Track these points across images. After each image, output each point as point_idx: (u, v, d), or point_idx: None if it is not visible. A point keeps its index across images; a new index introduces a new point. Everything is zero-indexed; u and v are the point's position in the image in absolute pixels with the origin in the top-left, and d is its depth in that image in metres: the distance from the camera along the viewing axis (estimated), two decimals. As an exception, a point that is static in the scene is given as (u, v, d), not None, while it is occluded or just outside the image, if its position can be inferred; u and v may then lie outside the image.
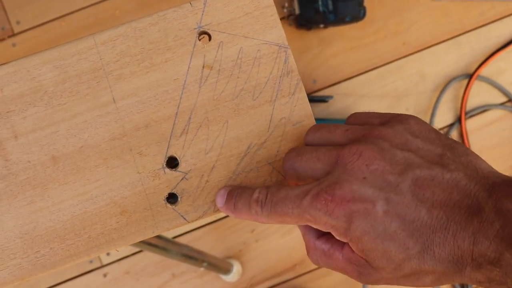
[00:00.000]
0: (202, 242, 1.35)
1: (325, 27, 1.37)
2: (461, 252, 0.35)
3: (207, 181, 0.45)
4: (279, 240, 1.35)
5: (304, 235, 0.42)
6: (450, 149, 0.39)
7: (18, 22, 1.41)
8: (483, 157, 0.39)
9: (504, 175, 0.37)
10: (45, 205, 0.44)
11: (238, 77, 0.45)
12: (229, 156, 0.45)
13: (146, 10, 1.42)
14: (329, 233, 0.40)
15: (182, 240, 1.34)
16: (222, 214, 1.35)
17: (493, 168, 0.38)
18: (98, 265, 1.35)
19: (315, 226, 0.38)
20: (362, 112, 0.44)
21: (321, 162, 0.40)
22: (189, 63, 0.45)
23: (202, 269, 1.24)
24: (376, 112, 0.43)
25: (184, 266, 1.33)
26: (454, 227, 0.35)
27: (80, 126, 0.45)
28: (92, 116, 0.45)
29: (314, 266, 1.34)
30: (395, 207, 0.36)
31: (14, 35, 1.41)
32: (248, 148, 0.45)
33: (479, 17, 1.42)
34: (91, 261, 1.34)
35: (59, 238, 0.44)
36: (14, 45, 1.41)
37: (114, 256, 1.35)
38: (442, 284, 0.38)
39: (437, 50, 1.41)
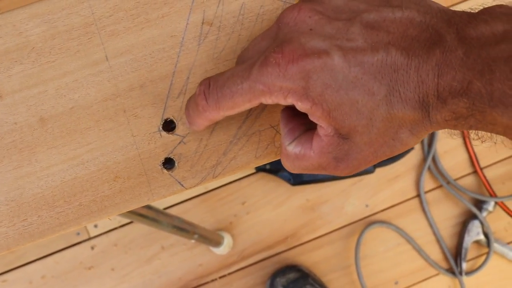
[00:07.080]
0: (191, 214, 1.33)
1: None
2: (426, 88, 0.33)
3: (206, 145, 0.42)
4: (271, 212, 1.34)
5: (280, 145, 0.40)
6: None
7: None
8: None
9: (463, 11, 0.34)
10: (33, 170, 0.41)
11: (240, 35, 0.43)
12: (229, 119, 0.42)
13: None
14: (300, 135, 0.38)
15: (171, 212, 1.32)
16: (215, 184, 1.30)
17: (448, 8, 0.36)
18: (86, 237, 1.32)
19: (270, 101, 0.35)
20: None
21: (265, 38, 0.37)
22: (188, 19, 0.42)
23: (192, 241, 1.22)
24: None
25: (173, 238, 1.31)
26: (416, 60, 0.33)
27: (70, 86, 0.42)
28: (83, 75, 0.42)
29: (306, 239, 1.33)
30: (350, 53, 0.34)
31: (-3, 0, 1.37)
32: (250, 111, 0.42)
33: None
34: (78, 233, 1.32)
35: (47, 206, 0.42)
36: (-3, 10, 1.36)
37: (102, 228, 1.32)
38: (417, 137, 0.35)
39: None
